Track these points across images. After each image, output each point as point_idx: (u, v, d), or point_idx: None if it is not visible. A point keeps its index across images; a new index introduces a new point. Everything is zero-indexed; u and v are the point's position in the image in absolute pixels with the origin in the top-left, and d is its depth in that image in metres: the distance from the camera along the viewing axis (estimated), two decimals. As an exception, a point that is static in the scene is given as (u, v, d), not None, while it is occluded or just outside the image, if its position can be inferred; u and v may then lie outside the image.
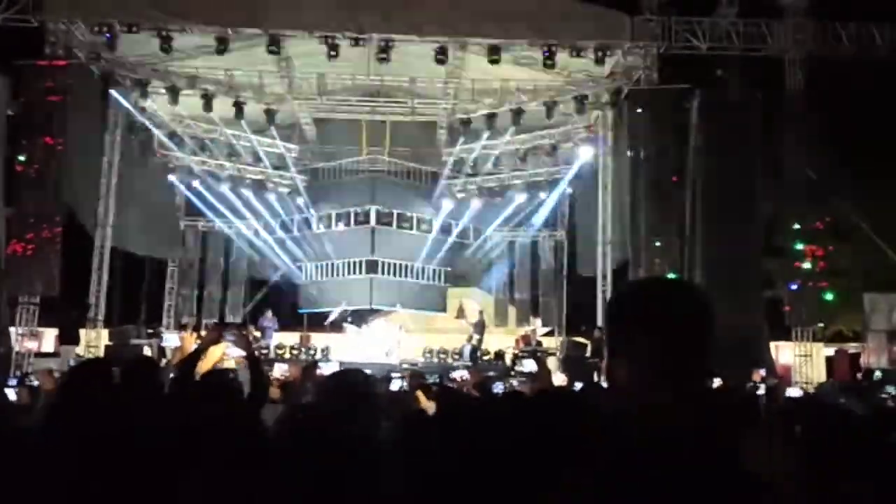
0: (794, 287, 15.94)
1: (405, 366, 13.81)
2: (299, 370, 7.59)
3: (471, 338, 17.68)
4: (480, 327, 17.88)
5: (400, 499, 2.84)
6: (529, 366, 15.21)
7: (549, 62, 15.71)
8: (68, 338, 15.96)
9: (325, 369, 7.74)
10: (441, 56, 15.78)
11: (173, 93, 17.16)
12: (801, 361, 16.05)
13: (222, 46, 15.41)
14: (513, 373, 15.21)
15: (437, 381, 9.19)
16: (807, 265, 15.74)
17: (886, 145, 16.33)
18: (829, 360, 17.79)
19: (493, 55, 15.66)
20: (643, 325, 1.52)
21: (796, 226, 15.97)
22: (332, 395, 2.96)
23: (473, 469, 3.30)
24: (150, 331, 16.78)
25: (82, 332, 16.84)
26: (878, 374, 13.86)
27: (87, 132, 16.22)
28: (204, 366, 4.38)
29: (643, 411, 1.48)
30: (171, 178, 20.04)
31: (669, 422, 1.43)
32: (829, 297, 16.08)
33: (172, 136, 19.19)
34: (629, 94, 16.69)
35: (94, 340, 16.97)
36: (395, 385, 6.50)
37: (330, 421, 2.99)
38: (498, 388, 6.34)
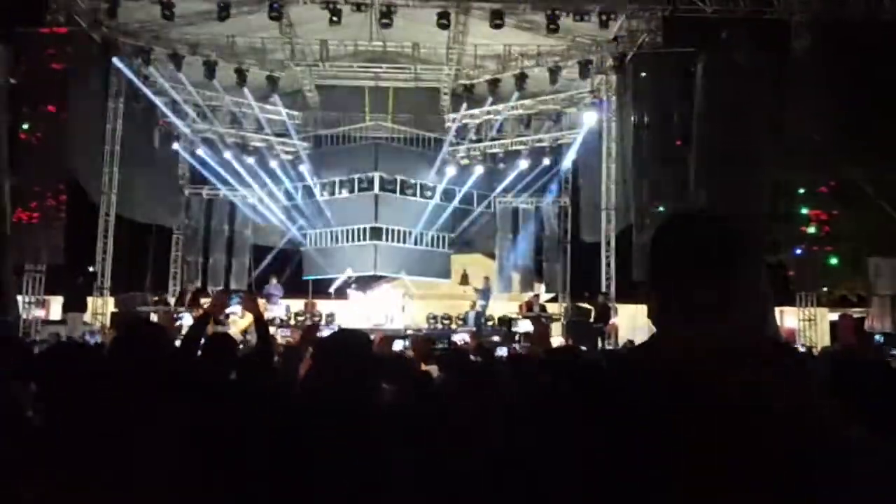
0: (798, 252, 15.95)
1: (409, 331, 13.91)
2: (300, 333, 7.64)
3: (474, 304, 17.77)
4: (486, 293, 17.96)
5: (403, 462, 2.88)
6: (524, 326, 15.33)
7: (552, 26, 15.56)
8: (75, 305, 16.11)
9: (325, 332, 7.80)
10: (443, 21, 15.65)
11: (176, 60, 17.09)
12: (805, 326, 16.12)
13: (224, 12, 15.31)
14: (515, 335, 15.33)
15: (446, 346, 9.24)
16: (811, 230, 15.73)
17: (892, 108, 16.18)
18: (832, 324, 17.82)
19: (496, 20, 15.52)
20: (660, 258, 1.57)
21: (801, 190, 15.93)
22: (331, 355, 2.99)
23: (482, 428, 3.35)
24: (156, 298, 16.90)
25: (89, 299, 17.03)
26: (878, 338, 13.87)
27: (89, 100, 16.22)
28: (235, 331, 4.48)
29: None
30: (175, 145, 20.03)
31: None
32: (833, 261, 16.08)
33: (175, 103, 19.12)
34: (633, 59, 16.56)
35: (101, 308, 17.13)
36: (398, 346, 6.54)
37: (330, 381, 3.02)
38: (501, 351, 6.38)
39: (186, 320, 14.16)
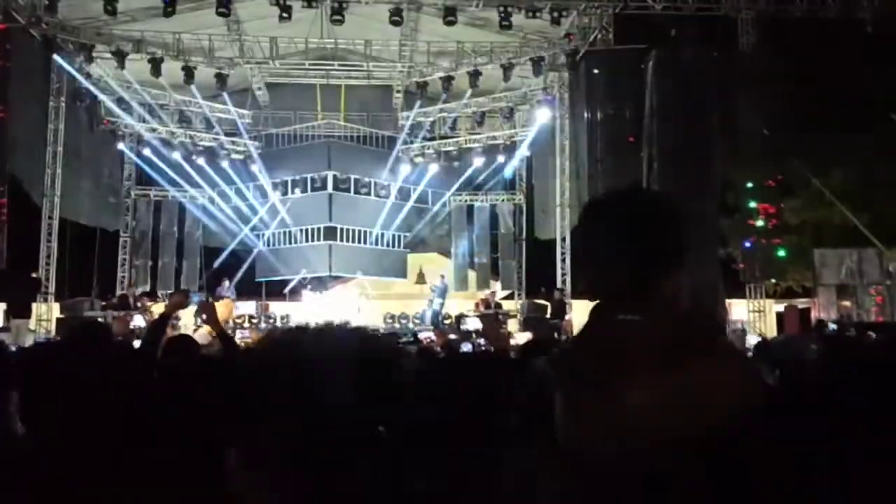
0: (747, 244, 16.28)
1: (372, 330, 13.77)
2: (261, 336, 7.52)
3: (431, 302, 17.72)
4: (443, 292, 17.92)
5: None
6: (473, 324, 15.36)
7: (504, 23, 15.57)
8: (19, 312, 15.54)
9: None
10: (396, 17, 15.53)
11: (120, 57, 16.60)
12: (755, 317, 16.44)
13: (170, 8, 14.92)
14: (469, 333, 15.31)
15: (412, 339, 9.20)
16: (760, 223, 16.06)
17: (836, 103, 16.64)
18: (779, 315, 18.21)
19: (449, 16, 15.46)
20: (577, 233, 1.57)
21: (749, 184, 16.25)
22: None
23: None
24: (103, 303, 16.42)
25: (33, 305, 16.45)
26: (832, 326, 14.16)
27: (30, 99, 15.73)
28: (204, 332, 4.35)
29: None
30: (120, 145, 19.49)
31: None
32: (781, 253, 16.45)
33: (120, 102, 18.59)
34: (585, 56, 16.69)
35: (46, 314, 16.57)
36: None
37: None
38: (466, 347, 6.35)
39: (138, 322, 13.82)
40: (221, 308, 5.03)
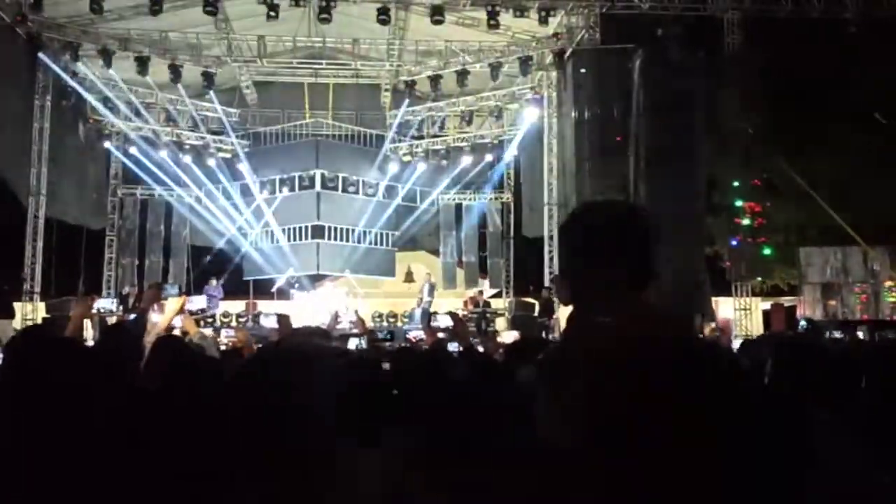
0: (734, 243, 16.39)
1: (354, 330, 13.76)
2: (246, 335, 7.52)
3: (420, 301, 17.73)
4: (431, 290, 17.94)
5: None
6: (444, 321, 15.36)
7: (492, 22, 15.62)
8: (2, 311, 15.43)
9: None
10: (383, 16, 15.54)
11: (106, 56, 16.52)
12: (741, 315, 16.55)
13: (156, 6, 14.87)
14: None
15: (389, 335, 9.19)
16: (746, 221, 16.17)
17: (821, 102, 16.77)
18: (765, 313, 18.34)
19: (436, 15, 15.49)
20: (564, 244, 1.63)
21: (735, 183, 16.35)
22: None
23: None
24: (89, 302, 16.30)
25: (17, 305, 16.34)
26: (803, 323, 14.25)
27: (15, 98, 15.64)
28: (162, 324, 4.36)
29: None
30: (106, 144, 19.39)
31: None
32: (767, 251, 16.56)
33: (106, 101, 18.49)
34: (573, 55, 16.74)
35: (31, 314, 16.48)
36: (353, 344, 6.45)
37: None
38: (453, 346, 6.36)
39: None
40: (172, 305, 5.00)
